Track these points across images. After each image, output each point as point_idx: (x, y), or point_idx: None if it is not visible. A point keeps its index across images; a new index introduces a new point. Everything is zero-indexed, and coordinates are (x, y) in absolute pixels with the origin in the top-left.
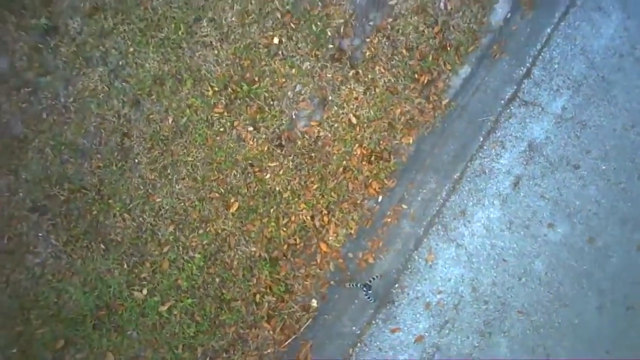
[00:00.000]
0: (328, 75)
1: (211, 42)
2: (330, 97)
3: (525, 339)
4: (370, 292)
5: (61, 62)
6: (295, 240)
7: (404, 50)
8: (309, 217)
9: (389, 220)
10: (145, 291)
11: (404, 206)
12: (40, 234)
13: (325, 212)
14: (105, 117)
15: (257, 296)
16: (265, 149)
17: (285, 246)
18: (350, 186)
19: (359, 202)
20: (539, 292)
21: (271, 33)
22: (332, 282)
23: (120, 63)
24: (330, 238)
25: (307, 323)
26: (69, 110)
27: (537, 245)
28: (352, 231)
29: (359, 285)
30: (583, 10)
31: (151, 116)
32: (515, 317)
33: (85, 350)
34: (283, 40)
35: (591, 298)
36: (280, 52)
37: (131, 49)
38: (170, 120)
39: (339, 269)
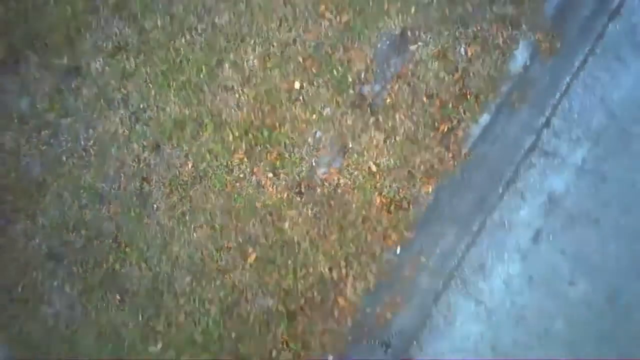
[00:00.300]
0: (348, 122)
1: (232, 85)
2: (350, 144)
3: None
4: (389, 349)
5: (82, 104)
6: (312, 293)
7: (424, 98)
8: (327, 269)
9: (408, 274)
10: (160, 345)
11: (423, 259)
12: (55, 283)
13: (343, 264)
14: (125, 161)
15: (273, 352)
16: (285, 196)
17: (303, 300)
18: (369, 237)
19: (377, 254)
20: (559, 353)
21: (292, 77)
22: (349, 338)
23: (142, 106)
24: (348, 292)
25: None
26: (88, 154)
27: (558, 303)
28: (371, 285)
29: (377, 342)
30: (602, 60)
31: (171, 161)
32: None
33: None
34: (304, 84)
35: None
36: (301, 97)
37: (153, 92)
38: (189, 166)
39: (357, 325)
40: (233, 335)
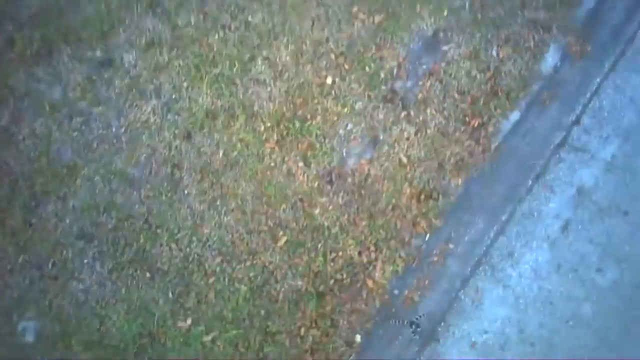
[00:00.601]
0: (380, 115)
1: (265, 79)
2: (381, 137)
3: None
4: (418, 329)
5: (114, 94)
6: (342, 275)
7: (455, 94)
8: (356, 253)
9: (436, 259)
10: (189, 321)
11: (451, 246)
12: (85, 261)
13: (373, 248)
14: (156, 148)
15: (302, 330)
16: (316, 184)
17: (332, 281)
18: (399, 224)
19: (406, 239)
20: (586, 336)
21: (325, 73)
22: (376, 319)
23: (174, 97)
24: (377, 274)
25: (350, 358)
26: (120, 141)
27: (585, 289)
28: (399, 269)
29: (405, 322)
30: (633, 62)
31: (202, 149)
32: None
33: None
34: (336, 80)
35: (638, 344)
36: (333, 92)
37: (185, 84)
38: (221, 154)
39: (385, 306)
40: (262, 312)
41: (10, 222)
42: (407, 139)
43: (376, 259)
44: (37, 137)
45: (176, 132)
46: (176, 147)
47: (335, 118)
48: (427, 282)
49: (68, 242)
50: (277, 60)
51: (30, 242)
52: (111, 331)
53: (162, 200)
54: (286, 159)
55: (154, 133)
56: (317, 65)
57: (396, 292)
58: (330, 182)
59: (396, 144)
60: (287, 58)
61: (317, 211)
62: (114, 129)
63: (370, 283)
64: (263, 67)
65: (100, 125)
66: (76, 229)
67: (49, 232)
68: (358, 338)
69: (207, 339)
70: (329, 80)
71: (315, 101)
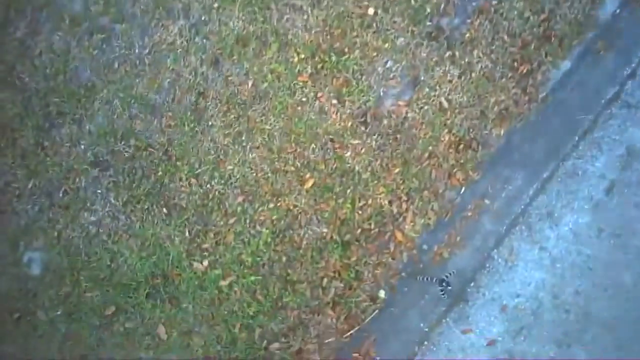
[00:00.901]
0: (422, 54)
1: (302, 6)
2: (422, 77)
3: (605, 354)
4: (447, 288)
5: (139, 11)
6: (370, 225)
7: (505, 36)
8: (386, 202)
9: (470, 214)
10: (206, 263)
11: (487, 201)
12: (99, 191)
13: (404, 198)
14: (181, 73)
15: (325, 280)
16: (349, 124)
17: (359, 230)
18: (434, 174)
19: (440, 191)
20: (625, 306)
21: (366, 3)
22: (403, 274)
23: (203, 18)
24: (406, 227)
25: (373, 314)
26: (142, 63)
27: (627, 256)
28: (430, 222)
29: (434, 279)
30: None
31: (230, 78)
32: (598, 330)
33: (135, 320)
34: (379, 12)
35: None
36: (374, 24)
37: (215, 4)
38: (249, 84)
39: (412, 261)
40: (284, 259)
41: (21, 143)
42: (450, 81)
43: (407, 210)
44: (54, 53)
45: (203, 57)
46: (202, 73)
47: (375, 54)
48: (458, 238)
49: (81, 169)
50: None
51: (41, 166)
52: (122, 268)
53: (184, 131)
54: (319, 94)
55: (180, 57)
56: None
57: (425, 247)
58: (365, 123)
59: (438, 87)
60: None
61: (348, 154)
62: (136, 50)
63: (399, 235)
64: None
65: (122, 44)
66: (91, 155)
67: (62, 157)
68: (382, 293)
69: (224, 283)
70: (370, 11)
71: (354, 33)
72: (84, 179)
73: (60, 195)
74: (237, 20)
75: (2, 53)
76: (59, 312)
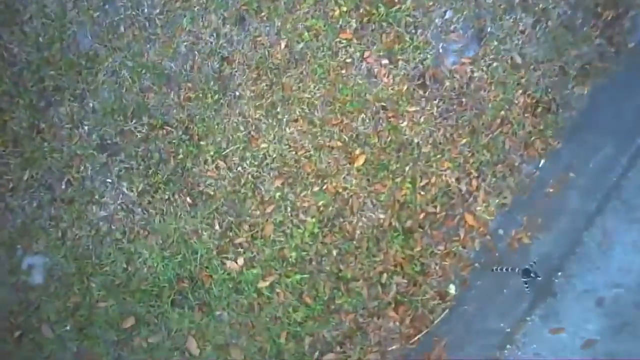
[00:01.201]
0: (488, 0)
1: None
2: (489, 29)
3: None
4: (531, 279)
5: None
6: (435, 207)
7: None
8: (453, 180)
9: (552, 190)
10: (241, 261)
11: (572, 174)
12: (108, 180)
13: (474, 174)
14: (200, 35)
15: (384, 276)
16: (404, 88)
17: (422, 215)
18: (508, 144)
19: (516, 164)
20: None
21: None
22: (476, 265)
23: None
24: (478, 208)
25: (443, 314)
26: (153, 24)
27: None
28: (506, 201)
29: (514, 270)
30: None
31: (259, 38)
32: None
33: (160, 332)
34: None
35: None
36: None
37: None
38: (282, 45)
39: (486, 248)
40: (334, 253)
41: (13, 126)
42: (523, 32)
43: (478, 188)
44: (47, 17)
45: (226, 14)
46: (225, 34)
47: (431, 2)
48: (540, 220)
49: (86, 154)
50: None
51: (38, 153)
52: (141, 272)
53: (206, 104)
54: (366, 54)
55: (197, 16)
56: None
57: (501, 231)
58: (423, 85)
59: (508, 39)
60: None
61: (404, 123)
62: (145, 9)
63: (469, 219)
64: None
65: (128, 3)
66: (96, 137)
67: (62, 141)
68: (452, 289)
69: (264, 285)
70: None
71: None
72: (90, 167)
73: (63, 186)
74: None
75: None
76: (67, 328)
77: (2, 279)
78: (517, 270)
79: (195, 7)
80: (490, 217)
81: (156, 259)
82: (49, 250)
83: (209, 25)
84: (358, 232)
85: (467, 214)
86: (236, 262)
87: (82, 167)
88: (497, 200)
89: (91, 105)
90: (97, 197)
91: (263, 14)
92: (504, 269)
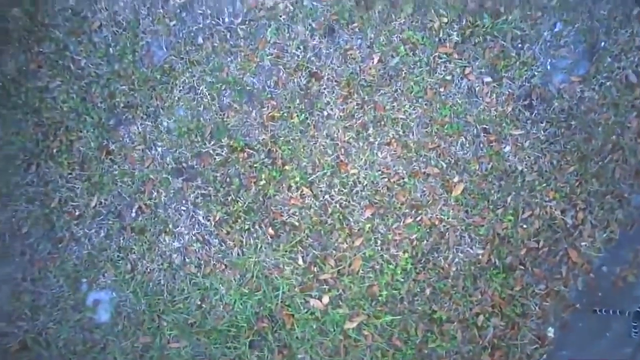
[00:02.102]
0: (602, 11)
1: None
2: (602, 44)
3: None
4: (636, 324)
5: None
6: (537, 242)
7: None
8: (558, 212)
9: None
10: (326, 299)
11: None
12: (183, 208)
13: (581, 205)
14: (286, 48)
15: (481, 318)
16: (508, 109)
17: (524, 250)
18: (618, 172)
19: (626, 195)
20: None
21: None
22: (577, 305)
23: None
24: (583, 243)
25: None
26: (235, 35)
27: None
28: (614, 235)
29: (619, 312)
30: None
31: (350, 52)
32: None
33: None
34: None
35: None
36: None
37: None
38: (375, 60)
39: (589, 288)
40: (427, 292)
41: (80, 146)
42: (639, 48)
43: (584, 222)
44: (118, 26)
45: (314, 25)
46: (313, 47)
47: (539, 14)
48: None
49: (160, 179)
50: None
51: (107, 177)
52: (217, 310)
53: (292, 124)
54: (467, 70)
55: (283, 26)
56: None
57: (605, 269)
58: (529, 106)
59: (622, 56)
60: None
61: (507, 148)
62: (226, 18)
63: (573, 255)
64: None
65: (207, 11)
66: (171, 160)
67: (133, 164)
68: (551, 332)
69: (351, 325)
70: None
71: None
72: (164, 193)
73: (133, 214)
74: None
75: (51, 27)
76: None
77: (65, 315)
78: (627, 313)
79: (281, 16)
80: (597, 254)
81: (234, 296)
82: (117, 285)
83: (296, 37)
84: (454, 268)
85: (571, 250)
86: (321, 301)
87: (155, 193)
88: (604, 235)
89: (165, 124)
90: (170, 226)
91: (355, 25)
92: (610, 311)
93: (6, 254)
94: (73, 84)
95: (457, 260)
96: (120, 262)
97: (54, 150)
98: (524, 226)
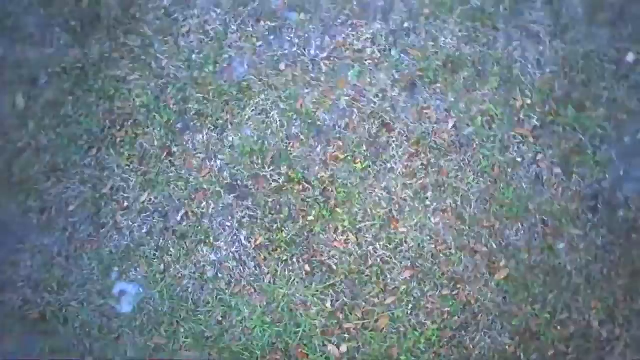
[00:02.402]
0: None
1: (539, 33)
2: None
3: None
4: None
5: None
6: (567, 347)
7: None
8: (597, 322)
9: None
10: (344, 348)
11: None
12: (228, 224)
13: (620, 321)
14: (364, 93)
15: None
16: (572, 207)
17: (552, 352)
18: None
19: None
20: None
21: (627, 45)
22: None
23: (406, 26)
24: (613, 358)
25: None
26: (317, 68)
27: None
28: None
29: None
30: None
31: (426, 111)
32: None
33: None
34: None
35: None
36: (631, 76)
37: (426, 10)
38: (450, 125)
39: None
40: None
41: (144, 141)
42: None
43: (619, 338)
44: (206, 35)
45: (397, 76)
46: (391, 98)
47: (625, 116)
48: None
49: (212, 191)
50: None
51: (162, 177)
52: (235, 330)
53: (353, 168)
54: (539, 157)
55: (366, 70)
56: None
57: None
58: (594, 209)
59: None
60: (579, 9)
61: (561, 245)
62: (312, 50)
63: None
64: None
65: (295, 40)
66: (228, 175)
67: (191, 171)
68: None
69: None
70: (630, 58)
71: (603, 84)
72: (213, 205)
73: (178, 218)
74: (450, 36)
75: (140, 22)
76: None
77: (89, 298)
78: None
79: (366, 60)
80: None
81: (255, 322)
82: (146, 281)
83: (376, 84)
84: (477, 351)
85: None
86: (338, 349)
87: (204, 203)
88: (635, 357)
89: (230, 139)
90: (211, 238)
91: (438, 85)
92: None
93: (48, 227)
94: (150, 81)
95: (483, 344)
96: (155, 260)
97: (118, 140)
98: (558, 327)
